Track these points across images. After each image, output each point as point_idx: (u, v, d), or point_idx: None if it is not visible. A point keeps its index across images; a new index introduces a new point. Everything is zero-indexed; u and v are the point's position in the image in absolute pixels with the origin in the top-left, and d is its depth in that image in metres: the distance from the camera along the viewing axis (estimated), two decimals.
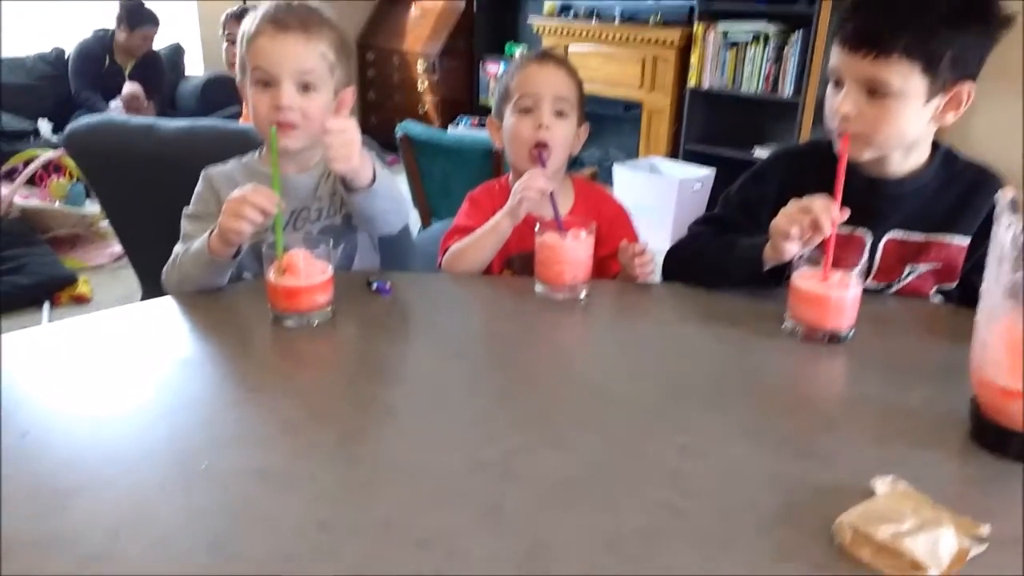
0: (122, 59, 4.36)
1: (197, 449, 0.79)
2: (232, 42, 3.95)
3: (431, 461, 0.78)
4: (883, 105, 1.04)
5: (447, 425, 0.85)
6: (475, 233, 1.30)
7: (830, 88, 1.11)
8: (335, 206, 1.29)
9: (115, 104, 4.17)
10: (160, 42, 4.77)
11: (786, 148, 1.36)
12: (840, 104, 1.06)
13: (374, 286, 1.19)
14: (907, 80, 1.02)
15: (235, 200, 1.08)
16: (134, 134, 1.78)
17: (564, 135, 1.33)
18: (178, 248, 1.22)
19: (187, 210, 1.27)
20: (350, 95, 1.25)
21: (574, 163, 4.63)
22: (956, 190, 1.16)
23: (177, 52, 4.85)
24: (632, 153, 4.38)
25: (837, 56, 1.07)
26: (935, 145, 1.16)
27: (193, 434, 0.82)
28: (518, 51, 5.05)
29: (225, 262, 1.15)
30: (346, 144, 1.09)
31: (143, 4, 4.26)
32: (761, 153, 3.85)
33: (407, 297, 1.20)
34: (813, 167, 1.05)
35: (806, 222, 1.03)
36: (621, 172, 4.00)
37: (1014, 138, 3.39)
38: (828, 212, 1.02)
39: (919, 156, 1.15)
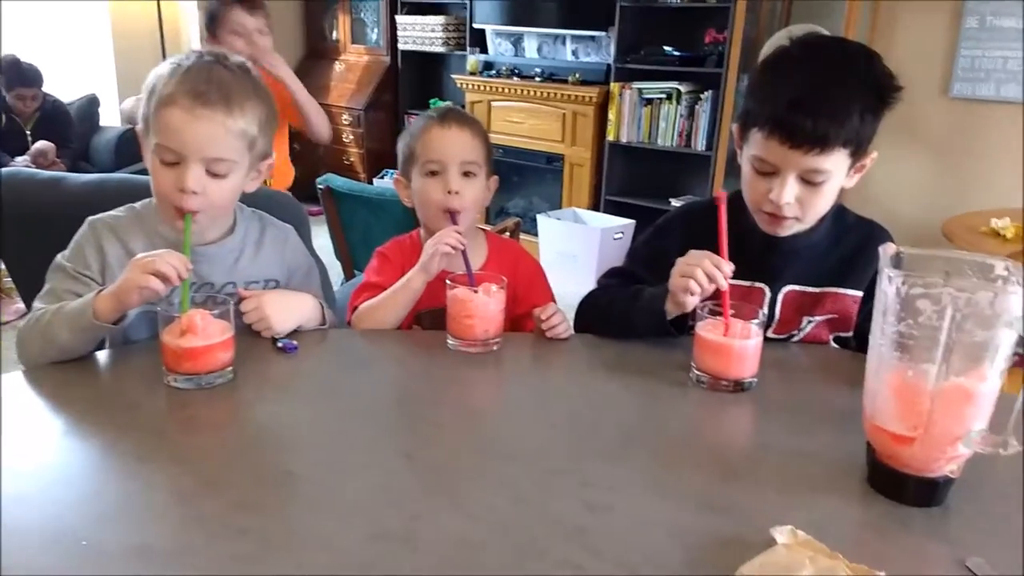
0: (19, 117, 4.17)
1: (77, 526, 0.73)
2: (213, 35, 2.60)
3: (329, 530, 0.74)
4: (818, 189, 1.10)
5: (348, 491, 0.81)
6: (387, 291, 1.28)
7: (754, 174, 1.13)
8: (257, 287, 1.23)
9: (22, 160, 3.99)
10: (75, 93, 4.64)
11: (687, 205, 1.42)
12: (783, 195, 1.10)
13: (279, 344, 1.15)
14: (840, 164, 1.09)
15: (146, 259, 1.01)
16: (41, 188, 1.70)
17: (474, 195, 1.33)
18: (39, 305, 1.07)
19: (60, 260, 1.13)
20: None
21: (499, 213, 4.72)
22: (847, 245, 1.22)
23: (92, 103, 4.70)
24: (555, 204, 4.46)
25: (769, 149, 1.08)
26: None
27: (73, 510, 0.76)
28: None
29: (105, 329, 1.04)
30: (259, 320, 1.16)
31: (19, 64, 4.06)
32: (677, 204, 3.97)
33: (314, 355, 1.17)
34: (711, 222, 1.09)
35: (700, 275, 1.07)
36: (545, 222, 4.06)
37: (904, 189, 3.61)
38: (719, 267, 1.07)
39: None
